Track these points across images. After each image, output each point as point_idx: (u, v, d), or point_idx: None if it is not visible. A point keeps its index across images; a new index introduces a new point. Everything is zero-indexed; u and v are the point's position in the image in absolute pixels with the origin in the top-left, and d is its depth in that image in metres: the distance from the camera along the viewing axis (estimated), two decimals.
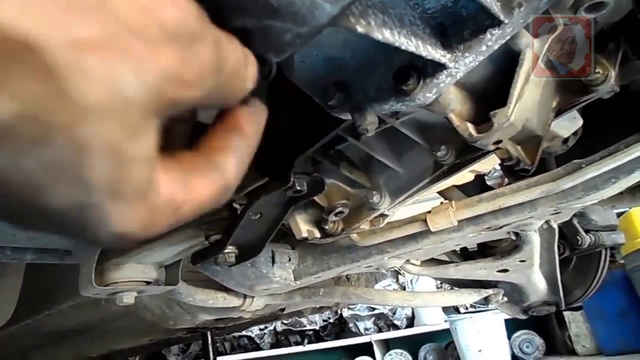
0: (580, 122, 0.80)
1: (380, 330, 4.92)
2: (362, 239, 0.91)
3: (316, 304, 1.55)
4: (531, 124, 0.62)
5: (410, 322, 4.83)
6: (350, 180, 0.79)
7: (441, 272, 1.21)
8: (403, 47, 0.40)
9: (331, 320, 5.12)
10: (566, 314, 4.01)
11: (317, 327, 5.14)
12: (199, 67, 0.25)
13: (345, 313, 4.93)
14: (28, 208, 0.23)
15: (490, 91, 0.57)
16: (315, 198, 0.79)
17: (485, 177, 1.07)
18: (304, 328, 5.10)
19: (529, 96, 0.57)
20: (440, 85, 0.47)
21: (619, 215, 2.58)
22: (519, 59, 0.54)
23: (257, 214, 0.76)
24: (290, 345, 5.20)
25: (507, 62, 0.55)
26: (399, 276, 4.76)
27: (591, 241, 1.23)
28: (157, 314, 1.40)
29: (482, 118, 0.56)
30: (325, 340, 5.09)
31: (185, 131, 0.32)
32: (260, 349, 5.30)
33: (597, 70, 0.60)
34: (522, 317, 1.47)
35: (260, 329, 5.20)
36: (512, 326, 4.23)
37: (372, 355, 4.77)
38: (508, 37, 0.47)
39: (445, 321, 4.41)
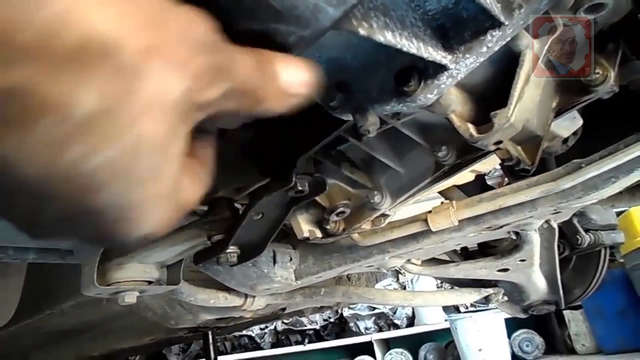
0: (580, 122, 0.80)
1: (380, 330, 4.92)
2: (363, 238, 0.91)
3: (317, 303, 1.56)
4: (531, 124, 0.62)
5: (411, 322, 4.83)
6: (352, 180, 0.80)
7: (442, 271, 1.22)
8: (404, 49, 0.41)
9: (332, 320, 5.13)
10: (566, 313, 4.02)
11: (317, 327, 5.14)
12: (217, 72, 0.28)
13: (346, 312, 4.94)
14: (76, 210, 0.24)
15: (491, 92, 0.57)
16: (316, 198, 0.79)
17: (486, 177, 1.07)
18: (305, 327, 5.11)
19: (529, 97, 0.57)
20: (441, 86, 0.47)
21: (618, 214, 2.58)
22: (519, 59, 0.54)
23: (259, 214, 0.76)
24: (290, 344, 5.21)
25: (507, 63, 0.55)
26: (400, 276, 4.76)
27: (591, 240, 1.24)
28: (159, 314, 1.41)
29: (482, 119, 0.57)
30: (326, 340, 5.10)
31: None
32: (261, 348, 5.31)
33: (596, 70, 0.61)
34: (522, 316, 1.47)
35: (261, 329, 5.21)
36: (512, 325, 4.23)
37: (373, 354, 4.78)
38: (508, 39, 0.47)
39: (446, 320, 4.41)
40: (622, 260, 3.39)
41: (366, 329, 4.93)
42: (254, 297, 1.19)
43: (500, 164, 0.83)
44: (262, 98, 0.32)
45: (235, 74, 0.29)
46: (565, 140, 0.85)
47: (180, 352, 5.42)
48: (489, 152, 0.66)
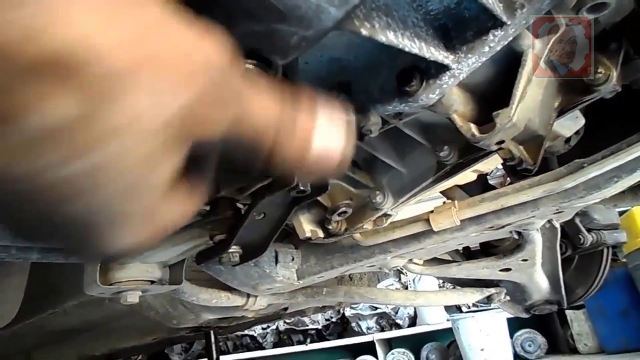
0: (582, 121, 0.80)
1: (382, 330, 4.92)
2: (365, 238, 0.91)
3: (319, 303, 1.56)
4: (533, 124, 0.62)
5: (413, 322, 4.83)
6: (354, 180, 0.80)
7: (444, 271, 1.22)
8: (406, 49, 0.41)
9: (334, 320, 5.12)
10: (568, 312, 4.01)
11: (319, 327, 5.14)
12: (218, 102, 0.26)
13: (348, 312, 4.94)
14: (47, 218, 0.24)
15: (493, 92, 0.57)
16: (318, 198, 0.79)
17: (488, 177, 1.07)
18: (307, 327, 5.11)
19: (531, 96, 0.57)
20: (443, 86, 0.47)
21: (621, 214, 2.58)
22: (522, 59, 0.54)
23: (261, 214, 0.76)
24: (292, 344, 5.21)
25: (509, 63, 0.55)
26: (402, 275, 4.76)
27: (593, 240, 1.23)
28: (161, 313, 1.41)
29: (484, 118, 0.57)
30: (328, 340, 5.09)
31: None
32: (263, 348, 5.31)
33: (599, 70, 0.61)
34: (525, 316, 1.47)
35: (263, 328, 5.21)
36: (514, 325, 4.22)
37: (375, 354, 4.77)
38: (510, 38, 0.47)
39: (448, 320, 4.40)
40: (624, 260, 3.38)
41: (368, 328, 4.93)
42: (256, 296, 1.19)
43: (502, 164, 0.83)
44: (278, 156, 0.30)
45: (244, 115, 0.28)
46: (568, 140, 0.85)
47: (182, 352, 5.42)
48: (491, 152, 0.66)
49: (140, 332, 1.85)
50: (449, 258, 1.28)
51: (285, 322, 5.05)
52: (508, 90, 0.54)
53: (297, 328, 5.13)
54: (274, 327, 5.19)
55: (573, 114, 0.73)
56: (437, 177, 0.74)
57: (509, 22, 0.44)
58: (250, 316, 1.44)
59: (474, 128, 0.56)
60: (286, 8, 0.29)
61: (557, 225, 1.06)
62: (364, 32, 0.36)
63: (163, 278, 0.98)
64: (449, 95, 0.54)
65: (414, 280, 4.64)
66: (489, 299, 1.35)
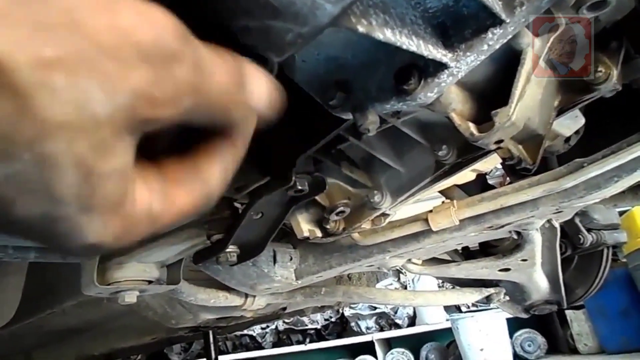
0: (582, 120, 0.80)
1: (381, 329, 4.92)
2: (363, 238, 0.91)
3: (318, 303, 1.55)
4: (533, 123, 0.62)
5: (412, 321, 4.83)
6: (352, 179, 0.79)
7: (443, 271, 1.21)
8: (404, 47, 0.40)
9: (333, 319, 5.12)
10: (568, 312, 4.01)
11: (318, 326, 5.14)
12: (173, 87, 0.25)
13: (347, 312, 4.93)
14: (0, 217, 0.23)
15: (492, 90, 0.57)
16: (316, 197, 0.79)
17: (487, 176, 1.07)
18: (306, 327, 5.11)
19: (530, 95, 0.57)
20: (441, 84, 0.47)
21: (621, 213, 2.57)
22: (521, 58, 0.54)
23: (259, 214, 0.76)
24: (292, 344, 5.21)
25: (508, 62, 0.55)
26: (401, 275, 4.76)
27: (593, 240, 1.23)
28: (159, 313, 1.41)
29: (483, 117, 0.56)
30: (327, 339, 5.09)
31: (171, 136, 0.31)
32: (262, 347, 5.31)
33: (599, 69, 0.60)
34: (524, 316, 1.47)
35: (262, 328, 5.21)
36: (513, 325, 4.22)
37: (374, 354, 4.77)
38: (509, 37, 0.47)
39: (447, 320, 4.40)
40: (624, 260, 3.38)
41: (367, 328, 4.93)
42: (254, 296, 1.19)
43: (501, 163, 0.83)
44: (229, 110, 0.28)
45: (203, 89, 0.26)
46: (568, 139, 0.84)
47: (181, 352, 5.42)
48: (489, 151, 0.66)
49: (138, 332, 1.85)
50: (448, 258, 1.28)
51: (284, 321, 5.05)
52: (507, 89, 0.54)
53: (296, 328, 5.13)
54: (273, 327, 5.19)
55: (573, 113, 0.73)
56: (435, 177, 0.73)
57: (508, 20, 0.44)
58: (248, 316, 1.44)
59: (472, 127, 0.56)
60: (281, 4, 0.29)
61: (557, 225, 1.05)
62: (361, 29, 0.35)
63: (161, 278, 0.98)
64: (448, 94, 0.54)
65: (413, 280, 4.64)
66: (488, 299, 1.35)
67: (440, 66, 0.46)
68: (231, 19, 0.31)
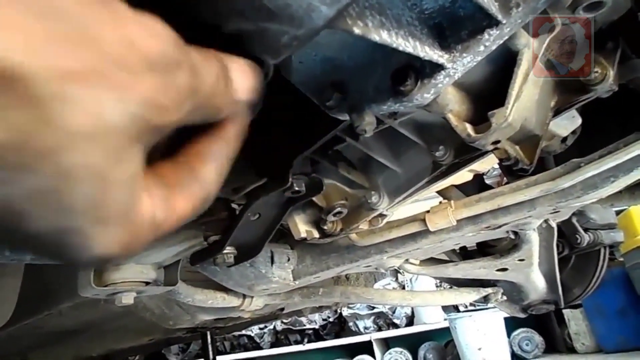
0: (579, 121, 0.80)
1: (379, 329, 4.92)
2: (361, 238, 0.91)
3: (315, 303, 1.55)
4: (529, 123, 0.62)
5: (410, 321, 4.83)
6: (349, 180, 0.79)
7: (440, 271, 1.21)
8: (400, 48, 0.40)
9: (331, 319, 5.12)
10: (566, 311, 4.02)
11: (316, 326, 5.14)
12: (176, 93, 0.25)
13: (345, 312, 4.93)
14: (9, 233, 0.23)
15: (488, 91, 0.57)
16: (313, 198, 0.79)
17: (484, 176, 1.07)
18: (304, 327, 5.11)
19: (527, 96, 0.57)
20: (438, 85, 0.47)
21: (618, 213, 2.58)
22: (517, 59, 0.54)
23: (256, 215, 0.76)
24: (290, 344, 5.21)
25: (505, 62, 0.55)
26: (399, 275, 4.76)
27: (590, 240, 1.23)
28: (157, 314, 1.40)
29: (480, 118, 0.56)
30: (325, 339, 5.09)
31: (167, 141, 0.32)
32: (260, 348, 5.30)
33: (595, 69, 0.60)
34: (522, 315, 1.47)
35: (260, 328, 5.21)
36: (511, 324, 4.23)
37: (372, 354, 4.78)
38: (506, 37, 0.47)
39: (445, 320, 4.41)
40: (622, 259, 3.39)
41: (365, 328, 4.93)
42: (252, 297, 1.19)
43: (498, 164, 0.83)
44: (220, 107, 0.30)
45: (199, 91, 0.27)
46: (564, 139, 0.84)
47: (179, 352, 5.42)
48: (486, 152, 0.66)
49: (136, 332, 1.84)
50: (446, 258, 1.28)
51: (282, 322, 5.05)
52: (504, 89, 0.54)
53: (294, 328, 5.13)
54: (271, 327, 5.18)
55: (570, 113, 0.73)
56: (432, 177, 0.73)
57: (504, 21, 0.44)
58: (246, 317, 1.43)
59: (469, 128, 0.56)
60: (276, 7, 0.29)
61: (554, 225, 1.05)
62: (357, 31, 0.35)
63: (158, 279, 0.98)
64: (444, 95, 0.54)
65: (411, 279, 4.64)
66: (485, 299, 1.35)
67: (437, 67, 0.46)
68: (225, 21, 0.31)
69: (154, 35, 0.25)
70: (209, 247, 0.80)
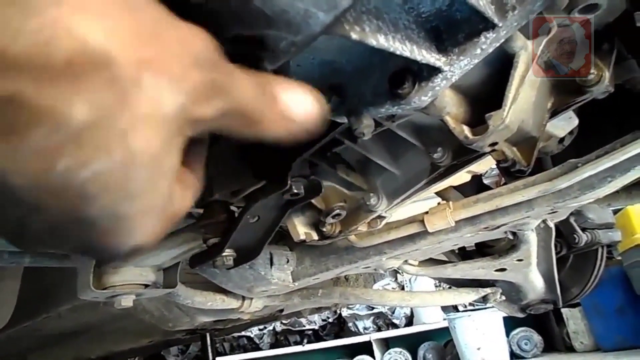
0: (575, 121, 0.80)
1: (379, 329, 4.92)
2: (360, 240, 0.91)
3: (315, 304, 1.55)
4: (527, 125, 0.62)
5: (409, 321, 4.83)
6: (348, 182, 0.79)
7: (439, 271, 1.22)
8: (398, 52, 0.41)
9: (330, 320, 5.13)
10: (564, 310, 4.02)
11: (316, 327, 5.14)
12: (213, 90, 0.28)
13: (345, 312, 4.94)
14: (66, 221, 0.24)
15: (486, 93, 0.57)
16: (312, 201, 0.79)
17: (483, 177, 1.07)
18: (303, 328, 5.11)
19: (524, 98, 0.57)
20: (435, 88, 0.47)
21: (615, 212, 2.58)
22: (514, 61, 0.54)
23: (255, 217, 0.76)
24: (289, 345, 5.21)
25: (501, 65, 0.55)
26: (398, 275, 4.76)
27: (588, 239, 1.24)
28: (156, 316, 1.40)
29: (477, 120, 0.56)
30: (325, 340, 5.10)
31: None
32: (260, 349, 5.30)
33: (591, 70, 0.61)
34: (520, 315, 1.47)
35: (260, 329, 5.21)
36: (510, 324, 4.23)
37: (372, 354, 4.78)
38: (502, 40, 0.47)
39: (444, 319, 4.41)
40: (619, 258, 3.40)
41: (365, 328, 4.94)
42: (251, 299, 1.19)
43: (496, 165, 0.83)
44: (260, 120, 0.31)
45: (233, 94, 0.29)
46: (562, 140, 0.85)
47: (179, 354, 5.41)
48: (484, 154, 0.66)
49: (135, 334, 1.84)
50: (445, 258, 1.28)
51: (282, 322, 5.05)
52: (501, 91, 0.54)
53: (294, 329, 5.13)
54: (270, 328, 5.18)
55: (566, 114, 0.73)
56: (431, 179, 0.74)
57: (500, 24, 0.44)
58: (246, 318, 1.44)
59: (466, 130, 0.56)
60: (274, 13, 0.29)
61: (552, 225, 1.06)
62: (354, 36, 0.35)
63: (157, 281, 0.98)
64: (442, 98, 0.54)
65: (410, 280, 4.64)
66: (484, 299, 1.35)
67: (434, 70, 0.46)
68: (224, 27, 0.31)
69: (200, 39, 0.27)
70: (208, 249, 0.80)
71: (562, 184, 0.74)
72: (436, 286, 4.28)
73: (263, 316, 1.58)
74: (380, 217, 0.84)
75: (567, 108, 0.65)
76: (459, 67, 0.46)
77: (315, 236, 0.86)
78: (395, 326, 4.84)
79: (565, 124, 0.80)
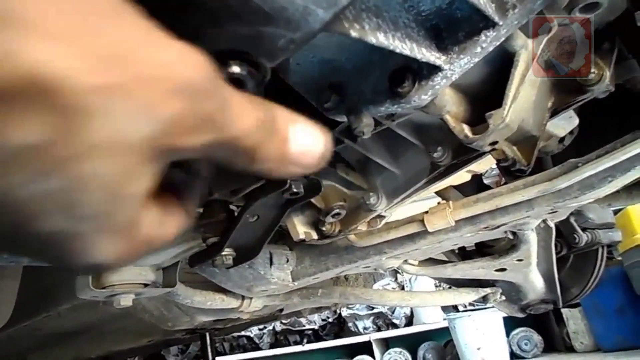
0: (576, 121, 0.80)
1: (379, 329, 4.92)
2: (359, 239, 0.91)
3: (315, 304, 1.55)
4: (527, 124, 0.62)
5: (409, 321, 4.83)
6: (347, 181, 0.79)
7: (439, 271, 1.22)
8: (398, 51, 0.40)
9: (330, 320, 5.12)
10: (564, 311, 4.02)
11: (316, 327, 5.14)
12: (198, 121, 0.26)
13: (344, 312, 4.93)
14: (16, 233, 0.24)
15: (486, 92, 0.57)
16: (312, 200, 0.79)
17: (483, 176, 1.07)
18: (303, 328, 5.11)
19: (524, 97, 0.57)
20: (435, 87, 0.47)
21: (616, 212, 2.58)
22: (514, 60, 0.54)
23: (254, 216, 0.76)
24: (289, 345, 5.21)
25: (502, 64, 0.55)
26: (398, 275, 4.76)
27: (588, 239, 1.24)
28: (156, 316, 1.40)
29: (477, 119, 0.56)
30: (325, 340, 5.09)
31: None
32: (260, 348, 5.30)
33: (592, 70, 0.60)
34: (520, 315, 1.47)
35: (260, 329, 5.20)
36: (510, 324, 4.23)
37: (372, 354, 4.78)
38: (502, 39, 0.47)
39: (444, 319, 4.41)
40: (620, 258, 3.39)
41: (365, 328, 4.93)
42: (251, 298, 1.19)
43: (496, 164, 0.83)
44: (260, 159, 0.30)
45: (226, 125, 0.28)
46: (562, 140, 0.84)
47: (178, 353, 5.41)
48: (484, 153, 0.66)
49: (135, 334, 1.84)
50: (445, 258, 1.28)
51: (281, 322, 5.05)
52: (501, 90, 0.54)
53: (293, 328, 5.12)
54: (270, 327, 5.18)
55: (567, 113, 0.73)
56: (431, 178, 0.73)
57: (500, 23, 0.44)
58: (245, 318, 1.43)
59: (467, 129, 0.56)
60: (272, 10, 0.29)
61: (552, 224, 1.05)
62: (354, 33, 0.35)
63: (157, 281, 0.98)
64: (442, 96, 0.54)
65: (410, 279, 4.64)
66: (484, 299, 1.35)
67: (434, 69, 0.46)
68: (223, 25, 0.31)
69: (189, 63, 0.26)
70: (207, 248, 0.80)
71: (562, 183, 0.74)
72: (436, 286, 4.28)
73: (263, 316, 1.58)
74: (380, 217, 0.84)
75: (567, 107, 0.65)
76: (459, 65, 0.46)
77: (314, 235, 0.86)
78: (395, 326, 4.84)
79: (565, 124, 0.80)
